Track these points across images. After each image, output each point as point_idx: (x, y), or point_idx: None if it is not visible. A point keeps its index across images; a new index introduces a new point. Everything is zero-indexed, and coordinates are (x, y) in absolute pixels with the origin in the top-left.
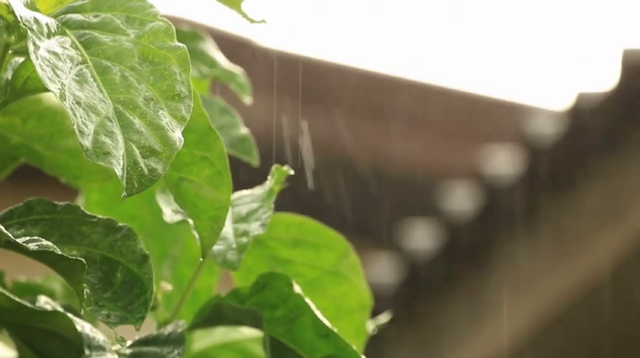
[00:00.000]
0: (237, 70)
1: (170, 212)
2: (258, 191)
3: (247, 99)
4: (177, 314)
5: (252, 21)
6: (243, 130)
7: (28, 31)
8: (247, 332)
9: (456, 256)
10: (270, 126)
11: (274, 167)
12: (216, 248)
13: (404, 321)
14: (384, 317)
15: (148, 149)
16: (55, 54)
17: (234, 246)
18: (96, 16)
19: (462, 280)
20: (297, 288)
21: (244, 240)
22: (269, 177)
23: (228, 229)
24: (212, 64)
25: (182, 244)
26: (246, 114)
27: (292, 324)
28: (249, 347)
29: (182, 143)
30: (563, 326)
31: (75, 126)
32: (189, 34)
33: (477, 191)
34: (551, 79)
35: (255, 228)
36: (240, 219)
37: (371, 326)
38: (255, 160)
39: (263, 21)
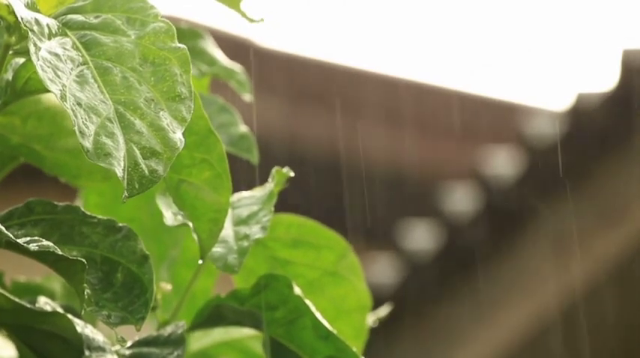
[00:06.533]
0: (236, 67)
1: (171, 215)
2: (258, 193)
3: (247, 97)
4: (176, 316)
5: (251, 20)
6: (243, 128)
7: (29, 32)
8: (247, 330)
9: (455, 256)
10: (269, 126)
11: (274, 169)
12: (216, 251)
13: (404, 321)
14: (384, 310)
15: (148, 150)
16: (56, 55)
17: (235, 249)
18: (97, 17)
19: (462, 280)
20: (297, 290)
21: (245, 243)
22: (269, 179)
23: (228, 232)
24: (211, 62)
25: (180, 246)
26: (245, 114)
27: (292, 325)
28: (249, 346)
29: (183, 144)
30: (564, 326)
31: (76, 127)
32: (189, 32)
33: (476, 191)
34: (551, 79)
35: (255, 231)
36: (240, 222)
37: (371, 319)
38: (254, 158)
39: (262, 20)
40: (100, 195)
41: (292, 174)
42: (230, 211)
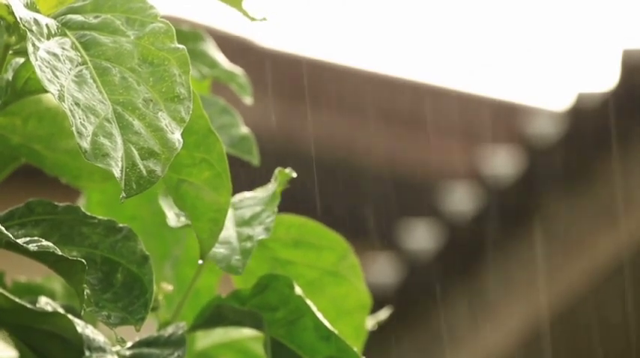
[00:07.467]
0: (237, 70)
1: (174, 216)
2: (260, 194)
3: (248, 100)
4: (179, 314)
5: (252, 19)
6: (244, 129)
7: (28, 32)
8: (248, 331)
9: (455, 256)
10: (269, 126)
11: (277, 170)
12: (220, 252)
13: (404, 321)
14: (383, 313)
15: (146, 150)
16: (55, 55)
17: (238, 250)
18: (96, 17)
19: (461, 280)
20: (297, 290)
21: (248, 244)
22: (272, 180)
23: (231, 233)
24: (212, 64)
25: (183, 244)
26: (245, 115)
27: (293, 326)
28: (249, 346)
29: (181, 145)
30: (564, 326)
31: (73, 128)
32: (190, 34)
33: (477, 191)
34: (551, 79)
35: (259, 232)
36: (243, 223)
37: (371, 322)
38: (255, 159)
39: (264, 19)
40: (102, 193)
41: (294, 174)
42: (233, 212)
